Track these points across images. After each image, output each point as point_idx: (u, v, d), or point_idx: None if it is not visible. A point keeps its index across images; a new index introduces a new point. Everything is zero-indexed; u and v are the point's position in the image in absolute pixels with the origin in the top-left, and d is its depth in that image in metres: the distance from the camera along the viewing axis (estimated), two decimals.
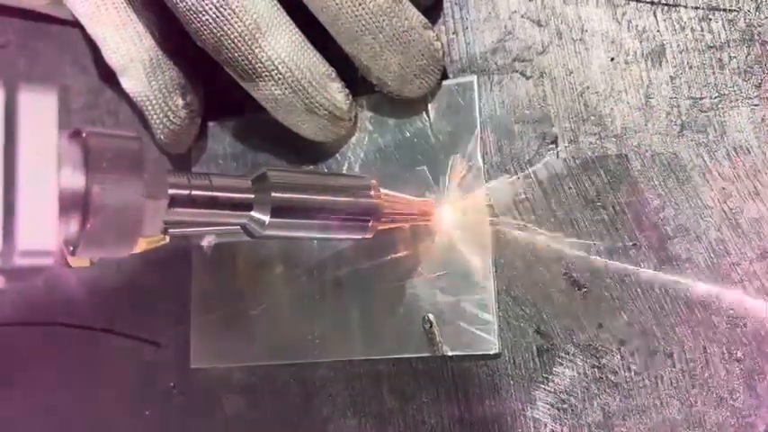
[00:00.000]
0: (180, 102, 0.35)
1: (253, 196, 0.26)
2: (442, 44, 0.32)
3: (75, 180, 0.21)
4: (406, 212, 0.31)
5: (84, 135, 0.22)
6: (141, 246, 0.24)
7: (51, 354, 0.39)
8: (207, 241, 0.36)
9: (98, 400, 0.38)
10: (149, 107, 0.35)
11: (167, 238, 0.26)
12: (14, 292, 0.39)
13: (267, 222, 0.26)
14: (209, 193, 0.25)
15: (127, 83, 0.35)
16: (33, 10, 0.41)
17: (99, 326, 0.38)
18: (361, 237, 0.29)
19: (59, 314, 0.39)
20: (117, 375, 0.37)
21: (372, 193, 0.29)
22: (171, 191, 0.24)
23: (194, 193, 0.25)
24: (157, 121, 0.35)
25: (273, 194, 0.26)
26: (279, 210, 0.26)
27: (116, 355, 0.38)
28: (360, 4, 0.29)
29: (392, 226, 0.31)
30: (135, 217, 0.22)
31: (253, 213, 0.26)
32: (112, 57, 0.35)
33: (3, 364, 0.40)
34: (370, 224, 0.29)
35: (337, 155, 0.34)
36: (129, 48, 0.34)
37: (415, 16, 0.31)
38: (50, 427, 0.38)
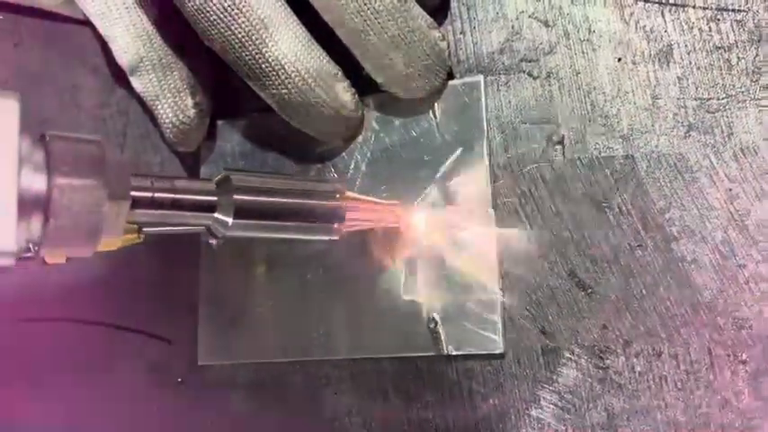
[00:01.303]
0: (189, 101, 0.35)
1: (216, 198, 0.27)
2: (447, 44, 0.32)
3: (36, 182, 0.22)
4: (373, 216, 0.31)
5: (46, 138, 0.23)
6: (116, 244, 0.26)
7: (63, 349, 0.39)
8: (215, 239, 0.36)
9: (108, 394, 0.38)
10: (159, 106, 0.35)
11: (141, 237, 0.27)
12: (28, 289, 0.40)
13: (230, 224, 0.27)
14: (172, 196, 0.26)
15: (137, 82, 0.36)
16: (45, 9, 0.41)
17: (110, 322, 0.39)
18: (327, 238, 0.30)
19: (71, 310, 0.39)
20: (126, 371, 0.38)
21: (338, 196, 0.30)
22: (133, 193, 0.25)
23: (157, 195, 0.26)
24: (167, 121, 0.35)
25: (236, 197, 0.27)
26: (241, 212, 0.27)
27: (126, 351, 0.38)
28: (365, 4, 0.29)
29: (360, 228, 0.31)
30: (96, 218, 0.23)
31: (216, 215, 0.27)
32: (123, 56, 0.35)
33: (16, 359, 0.40)
34: (335, 227, 0.29)
35: (344, 154, 0.34)
36: (138, 47, 0.35)
37: (421, 16, 0.31)
38: (60, 421, 0.39)
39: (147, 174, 0.26)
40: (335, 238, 0.30)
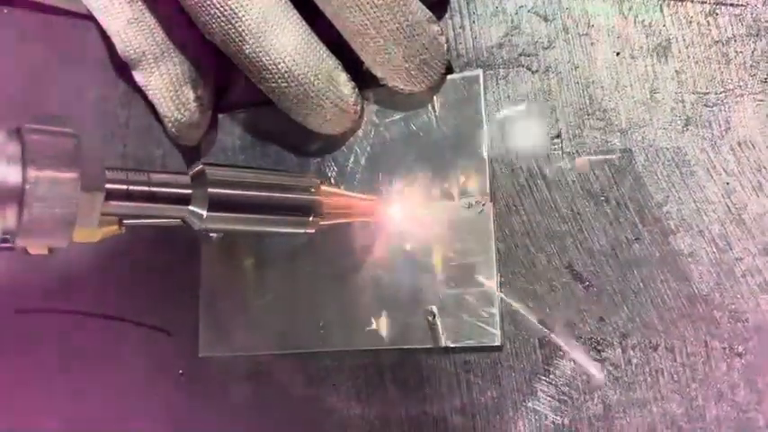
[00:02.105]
0: (191, 95, 0.35)
1: (190, 191, 0.28)
2: (447, 39, 0.32)
3: (11, 174, 0.23)
4: (348, 210, 0.32)
5: (22, 131, 0.24)
6: (98, 235, 0.27)
7: (65, 340, 0.40)
8: (216, 233, 0.36)
9: (110, 385, 0.38)
10: (161, 100, 0.36)
11: (123, 229, 0.27)
12: (28, 281, 0.40)
13: (204, 216, 0.28)
14: (147, 188, 0.27)
15: (139, 76, 0.36)
16: (49, 4, 0.42)
17: (111, 314, 0.39)
18: (302, 231, 0.31)
19: (73, 302, 0.40)
20: (127, 362, 0.38)
21: (313, 190, 0.30)
22: (108, 185, 0.26)
23: (132, 188, 0.26)
24: (168, 114, 0.36)
25: (210, 190, 0.28)
26: (215, 205, 0.28)
27: (127, 343, 0.38)
28: None
29: (336, 222, 0.32)
30: (70, 209, 0.24)
31: (191, 207, 0.28)
32: (125, 50, 0.35)
33: (19, 350, 0.41)
34: (310, 220, 0.30)
35: (344, 147, 0.35)
36: (141, 42, 0.35)
37: (420, 11, 0.31)
38: (62, 412, 0.39)
39: (122, 167, 0.27)
40: (311, 231, 0.31)
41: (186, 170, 0.29)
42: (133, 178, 0.27)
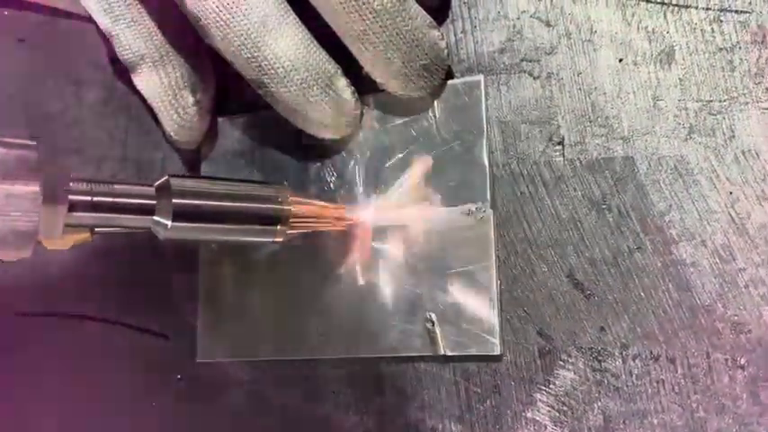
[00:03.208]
0: (190, 99, 0.35)
1: (155, 202, 0.28)
2: (447, 44, 0.32)
3: None
4: (317, 219, 0.32)
5: None
6: (69, 243, 0.27)
7: (63, 344, 0.40)
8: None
9: (107, 390, 0.38)
10: (159, 104, 0.35)
11: (91, 237, 0.28)
12: (25, 285, 0.40)
13: (169, 226, 0.28)
14: (111, 199, 0.27)
15: (138, 79, 0.36)
16: (49, 5, 0.41)
17: (108, 318, 0.39)
18: (270, 240, 0.31)
19: (72, 306, 0.40)
20: (125, 367, 0.38)
21: (280, 200, 0.31)
22: (71, 197, 0.26)
23: (96, 198, 0.27)
24: (167, 118, 0.36)
25: (175, 201, 0.28)
26: (180, 215, 0.28)
27: (124, 347, 0.38)
28: (363, 4, 0.29)
29: (305, 231, 0.32)
30: (31, 222, 0.24)
31: (155, 218, 0.28)
32: (124, 53, 0.35)
33: (16, 353, 0.40)
34: (278, 229, 0.30)
35: (343, 152, 0.34)
36: (140, 45, 0.35)
37: (420, 16, 0.31)
38: (59, 416, 0.39)
39: (87, 178, 0.27)
40: (279, 240, 0.31)
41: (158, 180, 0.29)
42: (97, 189, 0.27)
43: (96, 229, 0.28)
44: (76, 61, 0.41)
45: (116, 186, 0.28)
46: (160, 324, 0.38)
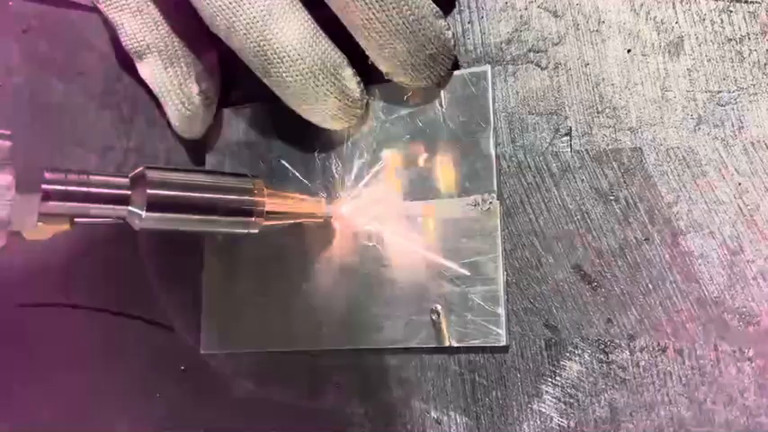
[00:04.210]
0: (195, 88, 0.35)
1: (129, 192, 0.29)
2: (454, 34, 0.32)
3: None
4: (293, 211, 0.33)
5: None
6: (47, 233, 0.27)
7: (67, 335, 0.40)
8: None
9: (111, 381, 0.38)
10: (165, 93, 0.35)
11: (71, 226, 0.28)
12: (30, 275, 0.40)
13: (143, 216, 0.29)
14: (86, 189, 0.28)
15: (143, 69, 0.36)
16: None
17: (114, 309, 0.39)
18: (245, 231, 0.31)
19: (76, 296, 0.39)
20: (129, 358, 0.38)
21: (255, 192, 0.31)
22: (46, 186, 0.27)
23: (70, 188, 0.27)
24: (172, 108, 0.35)
25: (149, 191, 0.29)
26: (154, 205, 0.29)
27: (129, 339, 0.38)
28: None
29: (281, 223, 0.33)
30: (4, 210, 0.25)
31: (130, 208, 0.29)
32: (129, 43, 0.35)
33: (20, 344, 0.40)
34: (253, 220, 0.31)
35: (349, 143, 0.34)
36: (145, 34, 0.35)
37: (426, 5, 0.30)
38: (64, 407, 0.39)
39: (62, 168, 0.28)
40: (254, 231, 0.31)
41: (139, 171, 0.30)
42: (72, 179, 0.27)
43: (76, 220, 0.28)
44: (81, 51, 0.41)
45: (91, 177, 0.28)
46: (164, 315, 0.37)
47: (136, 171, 0.29)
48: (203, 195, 0.30)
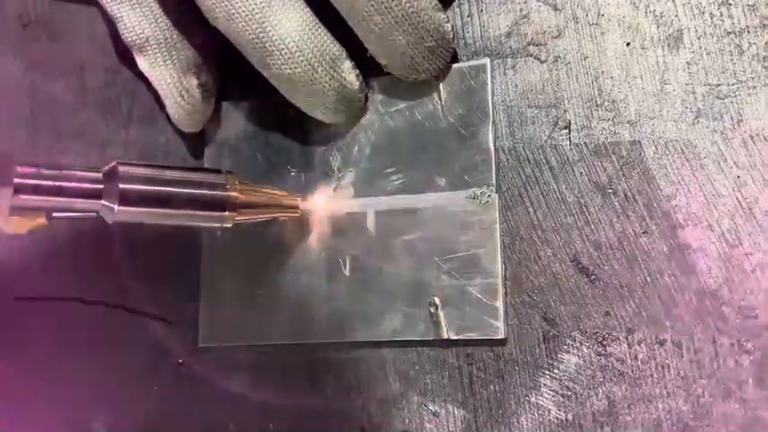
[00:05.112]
0: (194, 82, 0.35)
1: (102, 186, 0.29)
2: (453, 26, 0.32)
3: None
4: (267, 205, 0.33)
5: None
6: (24, 227, 0.28)
7: (64, 328, 0.39)
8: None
9: (109, 374, 0.38)
10: (164, 86, 0.35)
11: (47, 222, 0.29)
12: (27, 268, 0.40)
13: (116, 210, 0.29)
14: (59, 183, 0.28)
15: (142, 62, 0.36)
16: None
17: (110, 302, 0.39)
18: (219, 225, 0.32)
19: (72, 290, 0.39)
20: (127, 351, 0.38)
21: (228, 186, 0.31)
22: (18, 180, 0.27)
23: (43, 182, 0.28)
24: (171, 101, 0.35)
25: (121, 185, 0.29)
26: (126, 200, 0.29)
27: (126, 332, 0.38)
28: None
29: (255, 217, 0.33)
30: None
31: (103, 202, 0.29)
32: (128, 36, 0.35)
33: (17, 336, 0.40)
34: (225, 214, 0.31)
35: (348, 137, 0.34)
36: (144, 27, 0.35)
37: None
38: (60, 400, 0.39)
39: (35, 162, 0.28)
40: (228, 225, 0.32)
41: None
42: (44, 173, 0.28)
43: (54, 214, 0.28)
44: (80, 44, 0.41)
45: (64, 171, 0.28)
46: (162, 309, 0.37)
47: (108, 166, 0.30)
48: (175, 190, 0.31)
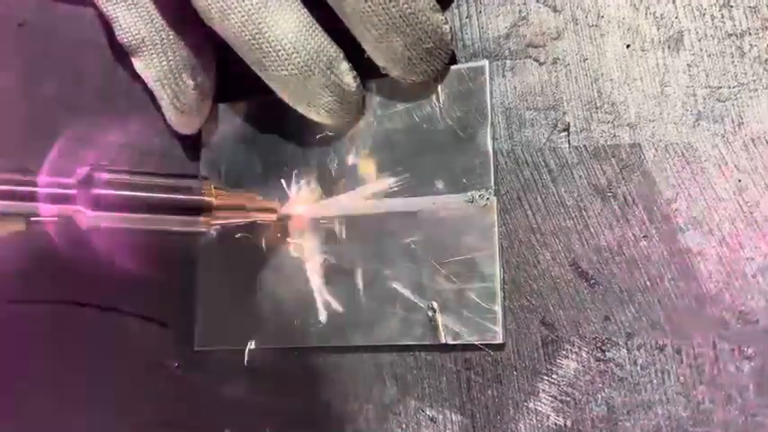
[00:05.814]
0: (190, 82, 0.35)
1: (75, 192, 0.29)
2: (451, 28, 0.31)
3: None
4: (243, 210, 0.33)
5: None
6: (2, 230, 0.29)
7: (59, 331, 0.39)
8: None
9: (103, 377, 0.38)
10: (160, 87, 0.35)
11: (24, 226, 0.29)
12: (21, 271, 0.39)
13: (89, 215, 0.29)
14: (33, 189, 0.29)
15: (138, 63, 0.35)
16: None
17: (106, 305, 0.38)
18: (195, 230, 0.33)
19: (67, 293, 0.39)
20: (123, 354, 0.38)
21: (203, 191, 0.32)
22: None
23: (17, 188, 0.28)
24: (167, 102, 0.35)
25: (95, 191, 0.29)
26: (99, 205, 0.30)
27: (122, 335, 0.38)
28: None
29: (232, 222, 0.33)
30: None
31: (77, 207, 0.30)
32: (124, 37, 0.35)
33: (12, 339, 0.40)
34: (201, 220, 0.32)
35: (345, 139, 0.34)
36: (140, 28, 0.34)
37: None
38: (54, 403, 0.39)
39: (8, 167, 0.29)
40: (203, 230, 0.32)
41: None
42: (18, 179, 0.28)
43: (32, 219, 0.29)
44: (76, 45, 0.40)
45: (38, 177, 0.29)
46: (158, 311, 0.37)
47: (83, 171, 0.30)
48: (149, 195, 0.31)
